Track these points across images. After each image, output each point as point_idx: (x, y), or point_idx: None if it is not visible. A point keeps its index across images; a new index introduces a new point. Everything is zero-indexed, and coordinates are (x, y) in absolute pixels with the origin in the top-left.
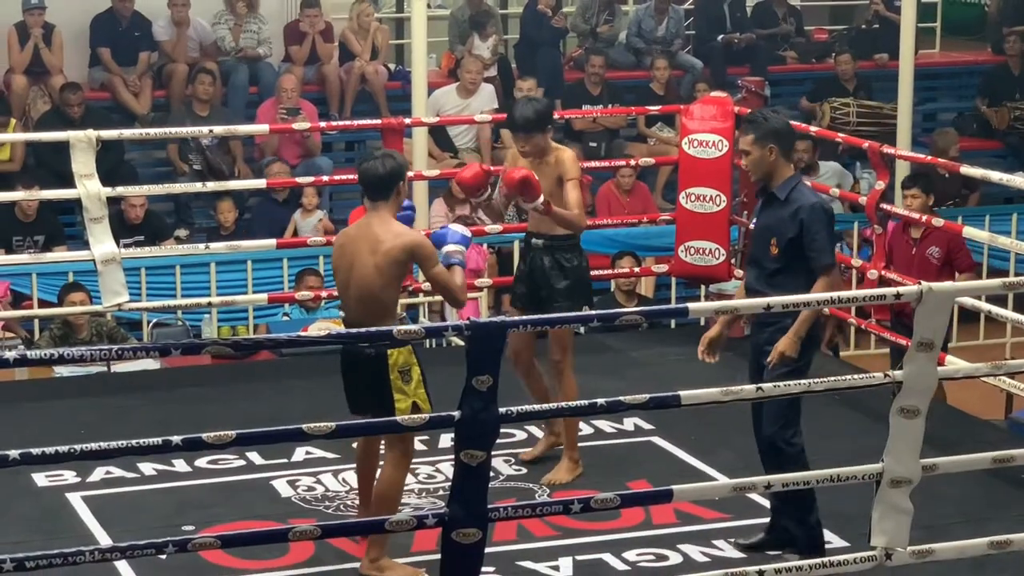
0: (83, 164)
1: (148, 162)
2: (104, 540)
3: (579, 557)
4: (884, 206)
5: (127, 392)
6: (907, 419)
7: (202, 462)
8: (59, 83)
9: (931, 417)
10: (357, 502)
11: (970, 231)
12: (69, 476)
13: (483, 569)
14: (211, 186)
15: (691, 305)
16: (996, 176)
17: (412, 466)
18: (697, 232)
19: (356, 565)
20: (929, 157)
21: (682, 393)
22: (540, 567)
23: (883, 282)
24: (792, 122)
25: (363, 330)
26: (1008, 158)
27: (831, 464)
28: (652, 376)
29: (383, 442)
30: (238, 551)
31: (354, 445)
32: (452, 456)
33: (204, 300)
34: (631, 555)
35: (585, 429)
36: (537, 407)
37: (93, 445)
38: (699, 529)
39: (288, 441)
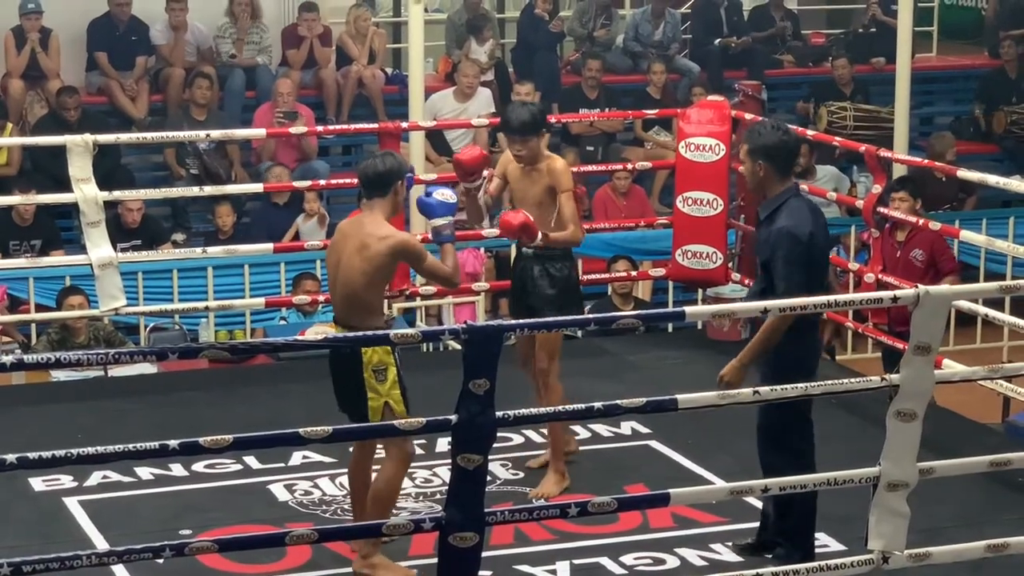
0: (80, 168)
1: (145, 166)
2: (101, 544)
3: (576, 561)
4: (881, 210)
5: (124, 396)
6: (904, 423)
7: (199, 466)
8: (56, 87)
9: (928, 421)
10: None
11: (967, 235)
12: (66, 480)
13: (480, 573)
14: (208, 190)
15: (688, 309)
16: (993, 180)
17: (409, 470)
18: (694, 236)
19: (352, 569)
20: (926, 161)
21: (679, 397)
22: (537, 571)
23: (880, 286)
24: (791, 135)
25: (359, 335)
26: (1005, 162)
27: (828, 467)
28: (649, 380)
29: (379, 445)
30: (235, 555)
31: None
32: (449, 460)
33: (201, 304)
34: (628, 559)
35: (582, 433)
36: (534, 411)
37: (90, 449)
38: (696, 533)
39: (285, 445)
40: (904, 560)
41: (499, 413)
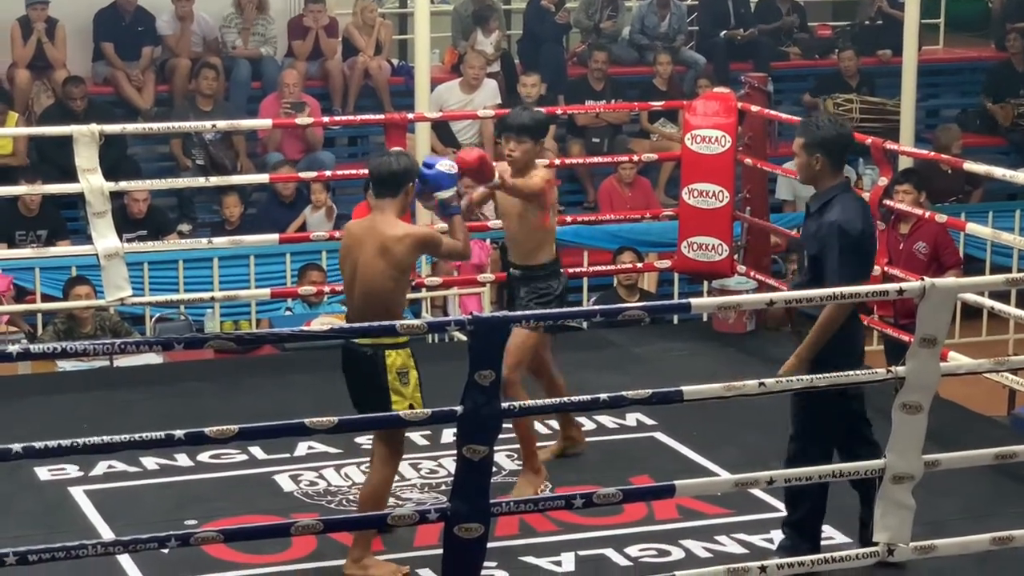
0: (86, 159)
1: (151, 157)
2: (106, 534)
3: (581, 552)
4: (887, 202)
5: (130, 386)
6: (909, 415)
7: (204, 456)
8: (62, 77)
9: (933, 413)
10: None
11: (973, 227)
12: (72, 470)
13: (485, 564)
14: (214, 181)
15: (694, 301)
16: (999, 172)
17: (414, 461)
18: (700, 228)
19: None
20: (932, 153)
21: (685, 388)
22: (542, 562)
23: (885, 278)
24: (847, 128)
25: (365, 324)
26: (1011, 154)
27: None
28: (654, 371)
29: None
30: (240, 545)
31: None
32: (454, 451)
33: (207, 295)
34: (633, 550)
35: (587, 424)
36: (540, 402)
37: (96, 439)
38: (701, 525)
39: (290, 436)
40: (909, 552)
41: (504, 404)
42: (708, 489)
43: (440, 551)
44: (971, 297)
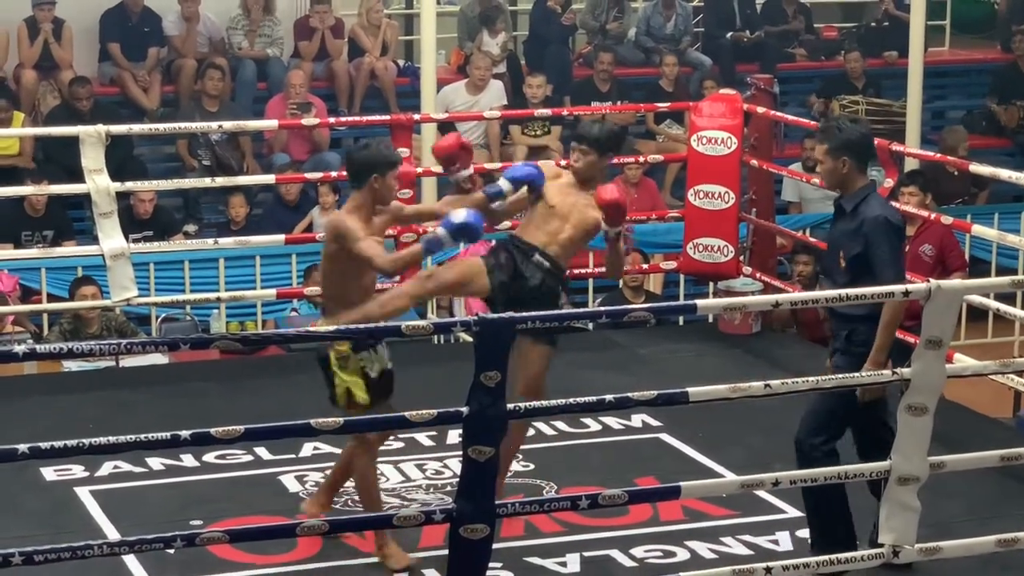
0: (92, 159)
1: (157, 157)
2: (112, 534)
3: (586, 553)
4: (893, 204)
5: (135, 387)
6: (915, 417)
7: (210, 457)
8: (68, 78)
9: (939, 415)
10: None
11: (979, 229)
12: (77, 470)
13: (490, 565)
14: (220, 181)
15: (699, 302)
16: (1005, 174)
17: (420, 462)
18: (706, 229)
19: (363, 561)
20: (938, 155)
21: (690, 390)
22: (547, 563)
23: None
24: (867, 128)
25: (369, 326)
26: (1017, 156)
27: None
28: (660, 372)
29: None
30: (245, 546)
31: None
32: (460, 452)
33: (213, 295)
34: (639, 551)
35: (593, 426)
36: (545, 403)
37: (101, 439)
38: (707, 526)
39: (296, 436)
40: (914, 554)
41: (510, 405)
42: (714, 490)
43: (446, 552)
44: (977, 299)
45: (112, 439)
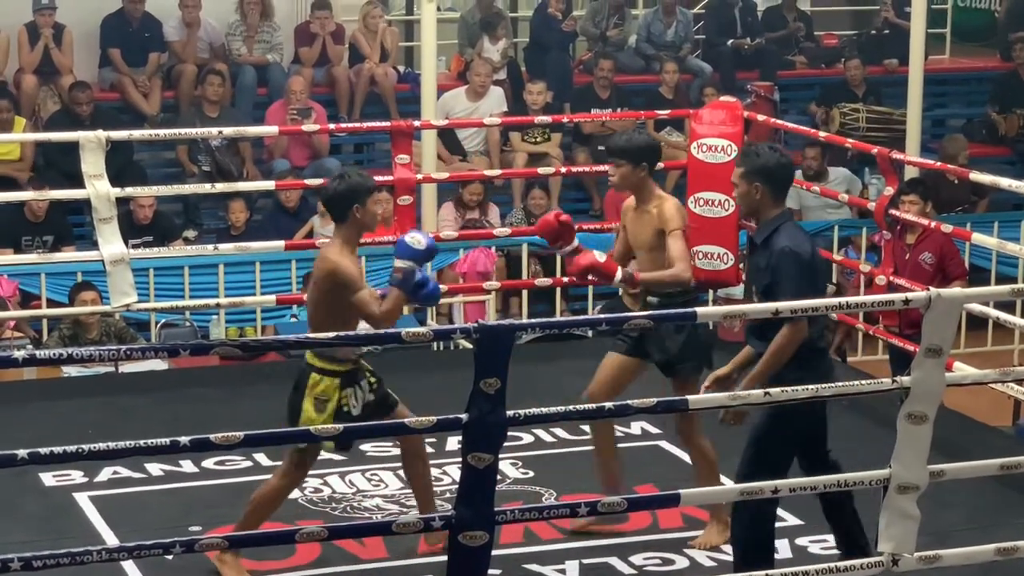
0: (92, 164)
1: (157, 163)
2: (111, 540)
3: (585, 561)
4: (893, 212)
5: (135, 392)
6: (915, 425)
7: (209, 463)
8: (69, 83)
9: (938, 423)
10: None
11: (979, 237)
12: (76, 476)
13: (489, 572)
14: (220, 187)
15: (699, 310)
16: (1005, 182)
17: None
18: (705, 237)
19: (362, 567)
20: (938, 163)
21: (690, 397)
22: (546, 570)
23: (891, 288)
24: (788, 158)
25: (371, 333)
26: (1017, 164)
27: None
28: (660, 380)
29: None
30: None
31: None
32: (459, 459)
33: (212, 301)
34: (638, 559)
35: None
36: (544, 410)
37: (100, 445)
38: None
39: (296, 442)
40: (914, 563)
41: (510, 412)
42: (713, 498)
43: (445, 558)
44: (976, 307)
45: (111, 445)
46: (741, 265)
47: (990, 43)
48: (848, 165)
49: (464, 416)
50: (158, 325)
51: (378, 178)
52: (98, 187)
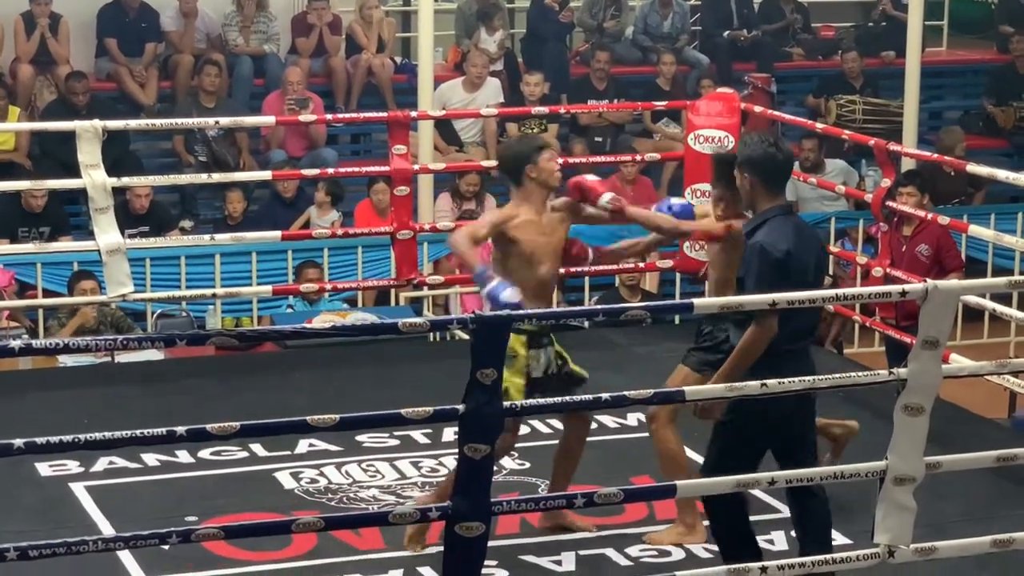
0: (89, 154)
1: (154, 153)
2: (107, 530)
3: (581, 552)
4: (889, 203)
5: (131, 382)
6: (911, 417)
7: (205, 453)
8: (65, 73)
9: (935, 415)
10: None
11: (975, 229)
12: (72, 466)
13: (486, 563)
14: (216, 177)
15: (696, 301)
16: (1002, 174)
17: (415, 459)
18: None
19: (358, 558)
20: (935, 155)
21: (686, 389)
22: (542, 561)
23: (888, 280)
24: (782, 150)
25: (369, 324)
26: (1014, 157)
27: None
28: (656, 371)
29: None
30: (241, 542)
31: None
32: (456, 450)
33: (208, 291)
34: (634, 550)
35: None
36: (541, 401)
37: (96, 435)
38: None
39: (291, 433)
40: (910, 554)
41: (506, 403)
42: (710, 489)
43: (441, 549)
44: (973, 299)
45: (107, 435)
46: None
47: (987, 35)
48: (845, 157)
49: (461, 407)
50: (154, 315)
51: (375, 169)
52: (94, 177)
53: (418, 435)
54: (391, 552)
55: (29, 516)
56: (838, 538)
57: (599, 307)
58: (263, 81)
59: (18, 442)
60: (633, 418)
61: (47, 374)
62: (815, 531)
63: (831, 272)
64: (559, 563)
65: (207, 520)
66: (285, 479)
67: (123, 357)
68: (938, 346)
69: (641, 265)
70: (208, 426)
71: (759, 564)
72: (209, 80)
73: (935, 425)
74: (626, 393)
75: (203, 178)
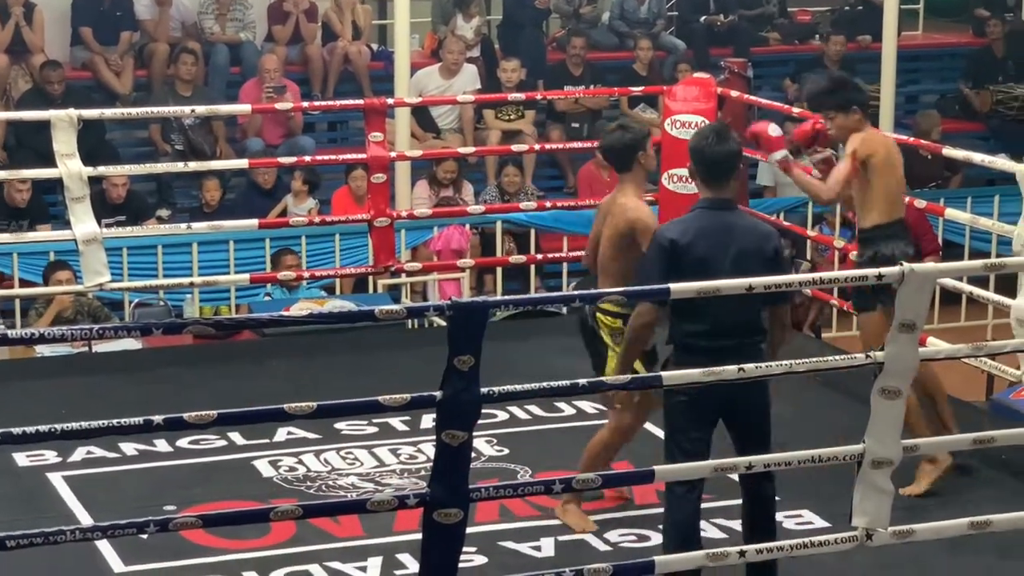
0: (64, 143)
1: (130, 142)
2: (85, 520)
3: (561, 538)
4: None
5: (108, 372)
6: (888, 400)
7: (183, 442)
8: (40, 62)
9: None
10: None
11: (952, 213)
12: (50, 456)
13: (465, 549)
14: (193, 166)
15: (673, 286)
16: (978, 158)
17: (394, 446)
18: (679, 213)
19: (337, 545)
20: (912, 139)
21: (664, 374)
22: (522, 547)
23: None
24: (725, 144)
25: (344, 311)
26: (990, 140)
27: (813, 445)
28: None
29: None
30: (220, 531)
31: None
32: (434, 436)
33: (186, 280)
34: (613, 536)
35: (567, 410)
36: (519, 387)
37: (74, 425)
38: None
39: (270, 421)
40: (888, 537)
41: (484, 389)
42: (688, 474)
43: (420, 536)
44: (950, 282)
45: (85, 424)
46: None
47: (962, 19)
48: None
49: (438, 394)
50: (132, 304)
51: (352, 156)
52: (70, 166)
53: (396, 422)
54: (370, 539)
55: (6, 506)
56: (816, 521)
57: (577, 292)
58: (239, 69)
59: None
60: None
61: (24, 364)
62: (764, 518)
63: (808, 257)
64: (539, 549)
65: (185, 509)
66: (264, 467)
67: (101, 347)
68: (915, 329)
69: None
70: (185, 415)
71: (737, 549)
72: (185, 68)
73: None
74: (604, 379)
75: (180, 167)
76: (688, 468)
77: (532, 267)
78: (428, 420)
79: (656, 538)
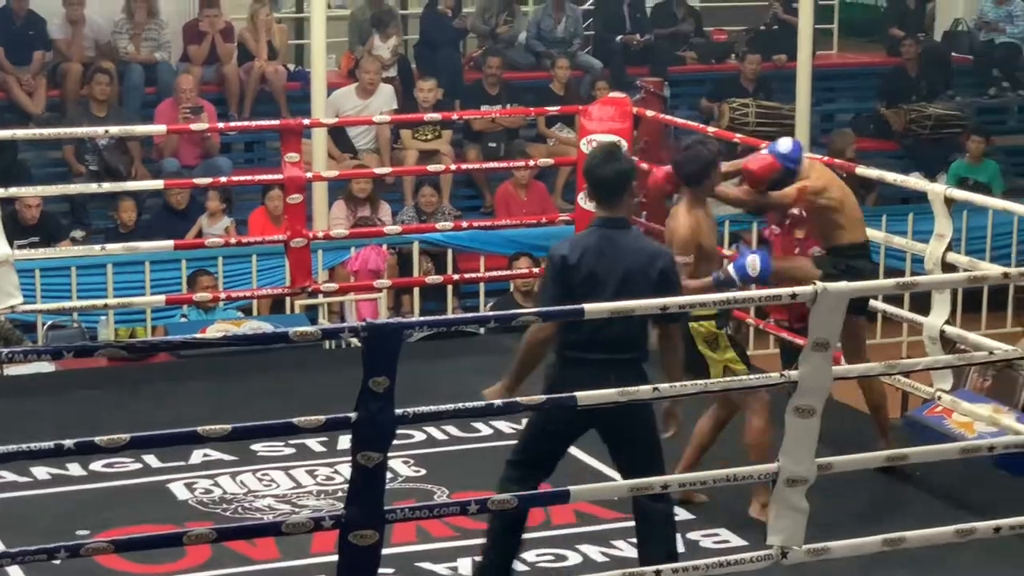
0: None
1: (43, 162)
2: None
3: (478, 558)
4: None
5: (20, 396)
6: (803, 418)
7: (97, 466)
8: None
9: (826, 416)
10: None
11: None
12: None
13: (381, 570)
14: (107, 187)
15: (587, 306)
16: (891, 177)
17: (311, 468)
18: None
19: (253, 568)
20: (826, 157)
21: (579, 394)
22: (439, 568)
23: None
24: (614, 165)
25: (257, 333)
26: (904, 159)
27: (729, 464)
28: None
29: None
30: (134, 555)
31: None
32: (350, 458)
33: (100, 302)
34: (530, 556)
35: (484, 430)
36: (434, 408)
37: None
38: (598, 529)
39: (183, 444)
40: (803, 555)
41: (399, 411)
42: (604, 494)
43: (336, 558)
44: None
45: None
46: None
47: (877, 38)
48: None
49: (353, 415)
50: (45, 327)
51: (268, 177)
52: None
53: (314, 443)
54: (286, 562)
55: None
56: (732, 540)
57: (493, 313)
58: (155, 89)
59: None
60: None
61: None
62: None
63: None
64: (455, 569)
65: (99, 533)
66: (179, 490)
67: (11, 370)
68: (828, 348)
69: (535, 271)
70: (97, 439)
71: (653, 568)
72: (100, 88)
73: (827, 426)
74: (519, 399)
75: (94, 188)
76: (604, 488)
77: (449, 287)
78: (345, 441)
79: (573, 558)
